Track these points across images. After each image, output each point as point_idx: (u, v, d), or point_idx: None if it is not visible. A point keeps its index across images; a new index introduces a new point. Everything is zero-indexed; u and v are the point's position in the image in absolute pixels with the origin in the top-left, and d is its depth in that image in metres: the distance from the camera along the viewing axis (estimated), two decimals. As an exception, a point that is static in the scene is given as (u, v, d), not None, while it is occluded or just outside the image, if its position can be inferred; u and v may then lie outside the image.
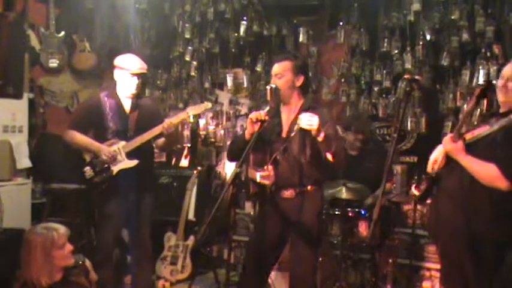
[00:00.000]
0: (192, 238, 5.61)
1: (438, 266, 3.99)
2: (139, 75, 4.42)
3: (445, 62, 5.21)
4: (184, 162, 6.78)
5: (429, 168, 3.44)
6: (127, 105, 4.48)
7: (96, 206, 4.42)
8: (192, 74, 6.58)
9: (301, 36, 5.98)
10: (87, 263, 3.53)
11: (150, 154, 4.66)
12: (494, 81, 3.14)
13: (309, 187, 3.80)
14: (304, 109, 3.76)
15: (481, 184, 3.11)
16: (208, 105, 4.62)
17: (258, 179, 3.68)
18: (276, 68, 3.82)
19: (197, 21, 6.43)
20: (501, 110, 3.26)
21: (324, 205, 4.85)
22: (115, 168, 4.36)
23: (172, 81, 6.83)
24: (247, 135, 3.65)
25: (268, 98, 3.68)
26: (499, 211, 3.14)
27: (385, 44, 5.50)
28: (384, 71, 5.57)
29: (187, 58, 6.52)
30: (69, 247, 3.31)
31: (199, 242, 5.65)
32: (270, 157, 3.78)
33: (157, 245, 5.38)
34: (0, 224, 4.73)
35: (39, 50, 5.92)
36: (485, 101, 3.81)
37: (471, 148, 3.12)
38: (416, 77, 3.30)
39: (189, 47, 6.51)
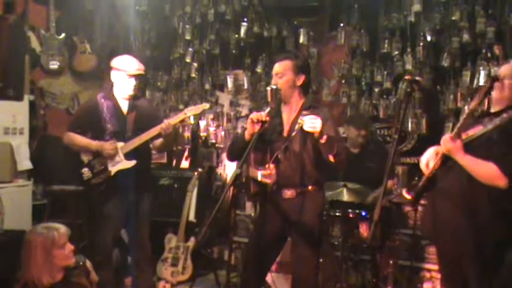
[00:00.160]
0: (192, 239, 5.61)
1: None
2: (136, 77, 4.42)
3: (445, 63, 5.21)
4: (185, 164, 6.78)
5: (423, 171, 3.45)
6: (124, 106, 4.48)
7: (95, 207, 4.41)
8: (193, 75, 6.59)
9: (301, 37, 5.98)
10: (88, 263, 3.53)
11: (147, 155, 4.66)
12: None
13: (309, 187, 3.79)
14: (305, 108, 3.76)
15: (479, 183, 3.11)
16: (206, 105, 4.62)
17: (260, 178, 3.67)
18: (277, 67, 3.82)
19: (197, 22, 6.44)
20: (493, 109, 3.28)
21: (325, 206, 4.86)
22: (113, 169, 4.36)
23: (173, 83, 6.84)
24: (247, 136, 3.64)
25: (269, 99, 3.67)
26: (498, 210, 3.15)
27: (386, 45, 5.51)
28: (385, 72, 5.58)
29: (188, 59, 6.53)
30: (69, 247, 3.31)
31: (200, 244, 5.65)
32: (271, 156, 3.77)
33: (158, 247, 5.38)
34: (1, 225, 4.73)
35: (40, 52, 5.91)
36: (486, 100, 3.81)
37: (467, 148, 3.13)
38: (417, 78, 3.30)
39: (190, 49, 6.52)
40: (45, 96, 6.14)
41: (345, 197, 4.82)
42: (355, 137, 5.28)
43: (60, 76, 6.31)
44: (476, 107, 3.10)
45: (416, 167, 5.36)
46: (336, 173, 5.00)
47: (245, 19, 6.18)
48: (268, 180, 3.69)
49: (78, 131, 4.45)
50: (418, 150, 5.42)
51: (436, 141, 3.36)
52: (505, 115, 3.05)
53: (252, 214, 5.99)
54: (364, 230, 4.82)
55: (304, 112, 3.70)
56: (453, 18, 5.15)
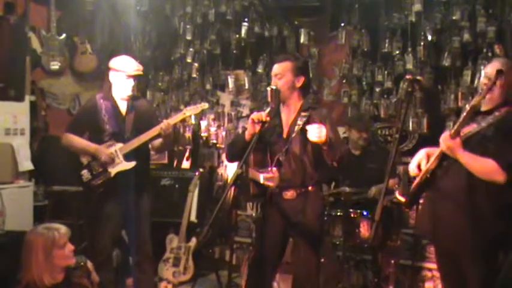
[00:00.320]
0: (194, 240, 5.61)
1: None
2: (135, 77, 4.42)
3: (446, 63, 5.20)
4: (186, 164, 6.78)
5: (413, 173, 3.46)
6: (123, 107, 4.48)
7: (95, 208, 4.41)
8: (194, 75, 6.59)
9: (302, 37, 5.98)
10: (89, 264, 3.53)
11: (146, 155, 4.66)
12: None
13: (309, 188, 3.79)
14: (304, 109, 3.77)
15: (479, 181, 3.14)
16: (205, 105, 4.62)
17: (262, 181, 3.67)
18: (276, 68, 3.82)
19: (198, 22, 6.43)
20: (484, 108, 3.29)
21: (325, 206, 4.86)
22: (113, 170, 4.36)
23: (174, 83, 6.84)
24: (247, 136, 3.65)
25: (269, 99, 3.68)
26: (498, 208, 3.18)
27: (387, 45, 5.51)
28: (386, 72, 5.57)
29: (189, 60, 6.53)
30: (70, 247, 3.31)
31: (201, 244, 5.65)
32: (271, 158, 3.78)
33: (159, 247, 5.38)
34: (3, 226, 4.73)
35: (41, 52, 5.91)
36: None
37: (463, 146, 3.16)
38: (418, 77, 3.32)
39: (190, 49, 6.51)
40: (46, 96, 6.13)
41: (348, 190, 4.83)
42: (356, 139, 5.28)
43: (61, 77, 6.31)
44: (479, 102, 3.11)
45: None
46: (336, 174, 5.00)
47: (246, 19, 6.18)
48: (271, 184, 3.69)
49: (76, 131, 4.45)
50: (419, 150, 5.46)
51: (437, 141, 3.36)
52: (497, 113, 3.12)
53: (253, 214, 5.98)
54: (365, 230, 4.82)
55: (303, 114, 3.72)
56: (454, 17, 5.15)
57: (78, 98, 6.50)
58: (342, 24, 5.81)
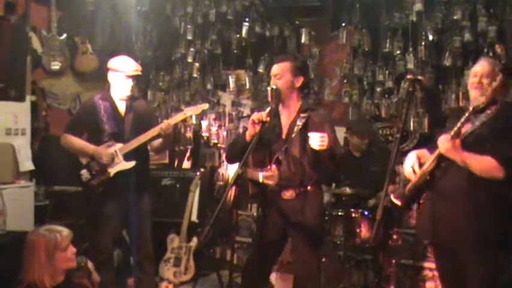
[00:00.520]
0: (195, 240, 5.61)
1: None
2: (134, 77, 4.42)
3: (447, 62, 5.21)
4: (186, 164, 6.78)
5: (409, 177, 3.47)
6: (122, 107, 4.47)
7: (95, 208, 4.41)
8: (194, 75, 6.60)
9: (303, 37, 5.98)
10: (90, 264, 3.53)
11: (146, 155, 4.65)
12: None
13: (308, 187, 3.79)
14: (303, 110, 3.78)
15: (479, 181, 3.15)
16: (206, 105, 4.60)
17: (261, 179, 3.67)
18: (275, 68, 3.82)
19: (199, 22, 6.43)
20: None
21: (325, 206, 4.87)
22: (112, 171, 4.35)
23: (175, 83, 6.84)
24: (248, 137, 3.64)
25: (269, 99, 3.68)
26: (499, 208, 3.20)
27: (388, 45, 5.52)
28: (386, 72, 5.58)
29: (190, 60, 6.53)
30: (72, 249, 3.30)
31: (202, 244, 5.65)
32: (270, 158, 3.78)
33: (160, 247, 5.38)
34: (4, 226, 4.73)
35: (41, 52, 5.91)
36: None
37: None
38: (419, 77, 3.32)
39: (191, 49, 6.51)
40: (46, 96, 6.13)
41: (348, 191, 4.83)
42: (358, 144, 5.29)
43: (62, 77, 6.31)
44: (484, 104, 3.11)
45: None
46: (337, 175, 5.01)
47: (247, 19, 6.18)
48: (270, 182, 3.69)
49: (75, 132, 4.45)
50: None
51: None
52: (488, 111, 3.14)
53: (255, 214, 5.99)
54: (364, 231, 4.83)
55: (303, 114, 3.73)
56: (455, 17, 5.15)
57: (78, 98, 6.49)
58: (343, 24, 5.82)
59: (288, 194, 3.79)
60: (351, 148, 5.35)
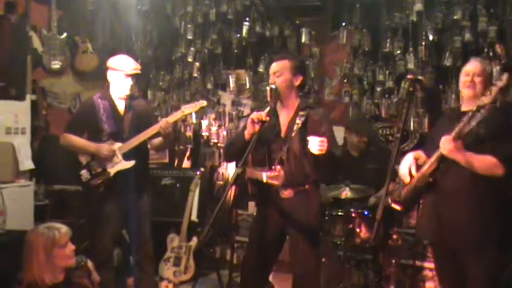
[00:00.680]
0: (195, 239, 5.61)
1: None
2: (133, 76, 4.42)
3: (447, 62, 5.21)
4: (186, 163, 6.78)
5: (404, 179, 3.48)
6: (121, 106, 4.47)
7: (95, 208, 4.41)
8: (195, 75, 6.59)
9: (303, 37, 5.98)
10: (89, 264, 3.53)
11: (145, 154, 4.65)
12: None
13: (306, 186, 3.80)
14: (301, 109, 3.78)
15: (481, 180, 3.19)
16: (204, 103, 4.59)
17: (265, 180, 3.68)
18: (275, 66, 3.83)
19: (199, 22, 6.43)
20: (467, 107, 3.36)
21: (324, 205, 4.87)
22: (112, 170, 4.36)
23: (175, 83, 6.84)
24: (247, 136, 3.64)
25: (268, 98, 3.68)
26: (501, 207, 3.25)
27: (388, 45, 5.52)
28: (387, 71, 5.58)
29: (190, 59, 6.53)
30: (71, 247, 3.30)
31: (202, 243, 5.65)
32: (269, 157, 3.78)
33: (160, 246, 5.38)
34: (3, 225, 4.73)
35: (42, 51, 5.91)
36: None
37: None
38: (419, 77, 3.33)
39: (192, 48, 6.51)
40: (47, 96, 6.13)
41: (348, 194, 4.82)
42: (356, 142, 5.29)
43: (62, 76, 6.31)
44: (490, 104, 3.11)
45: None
46: (335, 175, 5.01)
47: (247, 19, 6.18)
48: (275, 182, 3.70)
49: (74, 131, 4.45)
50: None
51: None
52: (482, 110, 3.15)
53: (254, 213, 5.99)
54: (364, 232, 4.83)
55: (301, 113, 3.73)
56: (455, 17, 5.16)
57: (79, 97, 6.49)
58: (343, 24, 5.82)
59: (287, 193, 3.79)
60: (348, 148, 5.35)
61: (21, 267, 3.27)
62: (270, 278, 4.79)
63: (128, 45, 6.72)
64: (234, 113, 6.58)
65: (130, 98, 4.51)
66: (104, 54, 6.24)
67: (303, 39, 6.00)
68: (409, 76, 3.34)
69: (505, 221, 3.26)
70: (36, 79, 5.92)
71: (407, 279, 5.21)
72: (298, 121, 3.72)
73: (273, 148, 3.80)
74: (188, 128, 6.71)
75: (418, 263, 5.17)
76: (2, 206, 4.82)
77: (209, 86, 6.58)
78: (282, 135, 3.81)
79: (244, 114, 6.49)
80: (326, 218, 5.01)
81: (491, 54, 4.99)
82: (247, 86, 6.35)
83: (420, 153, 3.57)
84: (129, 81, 4.40)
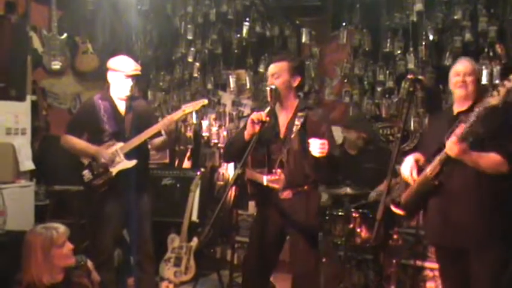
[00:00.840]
0: (195, 239, 5.61)
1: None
2: (133, 77, 4.42)
3: (447, 62, 5.20)
4: (187, 164, 6.78)
5: (410, 182, 3.49)
6: (121, 107, 4.48)
7: (96, 208, 4.41)
8: (195, 75, 6.59)
9: (303, 37, 5.98)
10: (89, 263, 3.53)
11: (146, 154, 4.66)
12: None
13: (306, 187, 3.80)
14: (300, 110, 3.79)
15: (485, 179, 3.23)
16: (205, 101, 4.59)
17: (265, 183, 3.69)
18: (273, 68, 3.83)
19: (199, 22, 6.43)
20: (460, 107, 3.45)
21: (325, 206, 4.87)
22: (114, 170, 4.36)
23: (175, 83, 6.84)
24: (246, 136, 3.65)
25: (268, 98, 3.69)
26: (504, 204, 3.29)
27: (388, 44, 5.52)
28: (387, 71, 5.58)
29: (190, 59, 6.53)
30: (69, 246, 3.30)
31: (202, 244, 5.65)
32: (269, 158, 3.79)
33: (160, 247, 5.38)
34: (4, 226, 4.73)
35: (42, 52, 5.91)
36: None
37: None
38: (419, 77, 3.34)
39: (192, 48, 6.51)
40: (47, 96, 6.13)
41: (348, 191, 4.83)
42: (355, 139, 5.28)
43: (62, 76, 6.31)
44: (497, 105, 3.11)
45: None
46: (335, 176, 5.00)
47: (247, 19, 6.18)
48: (276, 186, 3.71)
49: (75, 133, 4.45)
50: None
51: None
52: (476, 109, 3.18)
53: (254, 214, 5.99)
54: (366, 229, 4.82)
55: (300, 113, 3.74)
56: (455, 17, 5.15)
57: (79, 98, 6.49)
58: (344, 24, 5.82)
59: (286, 194, 3.80)
60: (346, 146, 5.34)
61: (20, 267, 3.27)
62: (273, 279, 4.80)
63: (128, 45, 6.72)
64: (234, 113, 6.58)
65: (130, 99, 4.51)
66: (104, 54, 6.24)
67: (303, 39, 6.00)
68: (409, 76, 3.35)
69: (508, 219, 3.30)
70: (37, 79, 5.92)
71: (408, 279, 5.20)
72: (297, 122, 3.73)
73: (272, 149, 3.81)
74: (189, 129, 6.71)
75: (418, 263, 5.16)
76: (2, 206, 4.82)
77: (209, 86, 6.58)
78: (281, 136, 3.82)
79: (245, 114, 6.49)
80: (327, 218, 5.01)
81: (491, 54, 4.99)
82: (248, 86, 6.35)
83: (420, 156, 3.58)
84: (129, 82, 4.40)
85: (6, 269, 3.74)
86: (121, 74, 4.37)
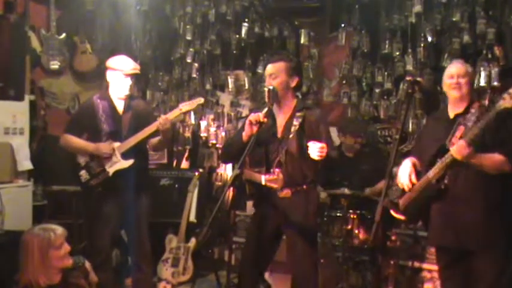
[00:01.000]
0: (193, 240, 5.60)
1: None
2: (132, 76, 4.42)
3: (446, 64, 5.17)
4: (185, 164, 6.77)
5: (407, 187, 3.50)
6: (120, 106, 4.47)
7: (94, 208, 4.41)
8: (193, 75, 6.59)
9: (302, 38, 5.99)
10: (87, 264, 3.52)
11: (144, 154, 4.65)
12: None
13: (304, 186, 3.81)
14: (298, 110, 3.80)
15: (489, 180, 3.28)
16: (201, 100, 4.58)
17: (264, 183, 3.70)
18: (271, 68, 3.84)
19: (198, 22, 6.44)
20: (455, 109, 3.49)
21: (323, 207, 4.87)
22: (111, 170, 4.35)
23: (174, 83, 6.84)
24: (244, 137, 3.66)
25: (266, 99, 3.69)
26: (506, 204, 3.34)
27: (387, 46, 5.52)
28: (385, 73, 5.58)
29: (189, 60, 6.53)
30: (66, 248, 3.30)
31: (200, 244, 5.64)
32: (266, 158, 3.80)
33: (158, 247, 5.37)
34: (1, 226, 4.72)
35: (40, 51, 5.91)
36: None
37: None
38: (418, 78, 3.34)
39: (190, 49, 6.52)
40: (45, 96, 6.12)
41: (346, 191, 4.83)
42: (352, 143, 5.28)
43: (61, 76, 6.31)
44: (510, 108, 3.11)
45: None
46: (332, 177, 5.02)
47: (246, 19, 6.19)
48: (274, 185, 3.71)
49: (74, 132, 4.45)
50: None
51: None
52: (472, 110, 3.33)
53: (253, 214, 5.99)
54: (364, 231, 4.83)
55: (298, 114, 3.74)
56: (454, 19, 5.16)
57: (77, 98, 6.48)
58: (342, 25, 5.83)
59: (284, 193, 3.80)
60: (343, 149, 5.35)
61: (18, 267, 3.27)
62: (269, 278, 4.80)
63: (127, 45, 6.71)
64: (232, 113, 6.58)
65: (129, 98, 4.51)
66: (103, 54, 6.24)
67: (302, 40, 6.00)
68: (407, 78, 3.38)
69: (510, 218, 3.35)
70: (35, 79, 5.92)
71: (406, 280, 5.20)
72: (296, 122, 3.74)
73: (270, 149, 3.82)
74: (187, 129, 6.70)
75: (416, 264, 5.16)
76: (0, 206, 4.81)
77: (208, 86, 6.58)
78: (279, 136, 3.83)
79: (243, 115, 6.49)
80: (325, 219, 5.02)
81: (489, 56, 5.00)
82: (246, 87, 6.36)
83: (415, 160, 3.60)
84: (128, 81, 4.40)
85: (5, 269, 3.74)
86: (120, 73, 4.37)
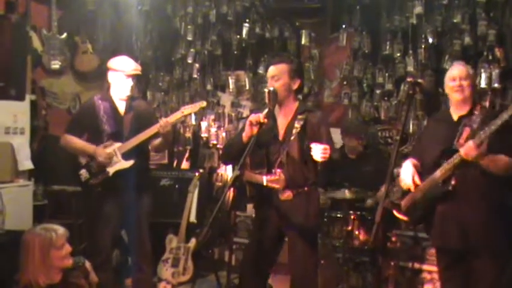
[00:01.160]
0: (193, 240, 5.60)
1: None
2: (133, 77, 4.42)
3: (447, 65, 5.20)
4: (185, 165, 6.78)
5: (407, 187, 3.50)
6: (121, 107, 4.47)
7: (94, 208, 4.41)
8: (194, 76, 6.59)
9: (303, 38, 5.99)
10: (87, 264, 3.52)
11: (145, 155, 4.65)
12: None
13: (306, 188, 3.81)
14: (300, 112, 3.79)
15: (493, 181, 3.31)
16: (203, 103, 4.59)
17: (265, 183, 3.70)
18: (273, 70, 3.83)
19: (199, 23, 6.44)
20: (458, 111, 3.51)
21: (324, 208, 4.87)
22: (111, 170, 4.35)
23: (175, 84, 6.84)
24: (245, 138, 3.65)
25: (267, 100, 3.69)
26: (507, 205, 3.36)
27: (388, 47, 5.52)
28: (386, 74, 5.58)
29: (190, 60, 6.54)
30: (67, 248, 3.30)
31: (200, 244, 5.64)
32: (267, 159, 3.79)
33: (158, 247, 5.37)
34: (2, 225, 4.73)
35: (41, 51, 5.92)
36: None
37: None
38: (419, 80, 3.34)
39: (191, 49, 6.52)
40: (46, 96, 6.13)
41: (347, 195, 4.83)
42: (355, 145, 5.29)
43: (62, 76, 6.31)
44: None
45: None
46: (333, 178, 5.02)
47: (247, 20, 6.19)
48: (276, 186, 3.71)
49: (75, 133, 4.45)
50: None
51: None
52: (476, 112, 3.38)
53: (253, 215, 5.99)
54: (364, 232, 4.83)
55: (300, 116, 3.74)
56: (455, 20, 5.16)
57: (78, 98, 6.49)
58: (343, 26, 5.83)
59: (286, 195, 3.79)
60: (346, 151, 5.35)
61: (19, 267, 3.27)
62: (270, 280, 4.80)
63: (128, 45, 6.72)
64: (233, 114, 6.58)
65: (130, 99, 4.51)
66: (104, 54, 6.25)
67: (303, 41, 6.00)
68: (408, 79, 3.38)
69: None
70: (36, 79, 5.92)
71: (406, 281, 5.20)
72: (297, 125, 3.73)
73: (271, 150, 3.81)
74: (187, 129, 6.70)
75: (416, 265, 5.17)
76: (1, 206, 4.82)
77: (209, 87, 6.58)
78: (280, 138, 3.82)
79: (244, 115, 6.49)
80: (325, 220, 5.02)
81: (490, 57, 5.00)
82: (247, 88, 6.36)
83: (416, 161, 3.60)
84: (130, 82, 4.40)
85: (5, 269, 3.74)
86: (121, 74, 4.37)
